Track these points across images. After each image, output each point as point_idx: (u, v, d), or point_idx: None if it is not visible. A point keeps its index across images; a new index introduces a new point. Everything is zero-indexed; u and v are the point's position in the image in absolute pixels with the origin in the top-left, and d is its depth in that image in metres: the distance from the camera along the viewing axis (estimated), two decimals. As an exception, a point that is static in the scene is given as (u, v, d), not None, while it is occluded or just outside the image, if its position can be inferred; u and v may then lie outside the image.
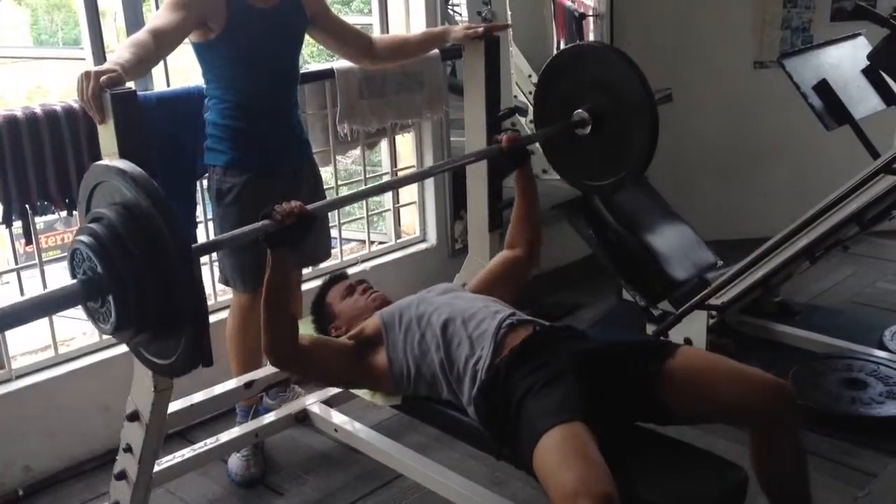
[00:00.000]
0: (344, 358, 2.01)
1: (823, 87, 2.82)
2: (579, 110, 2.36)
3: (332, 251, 2.97)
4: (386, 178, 3.57)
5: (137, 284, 1.43)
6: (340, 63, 2.91)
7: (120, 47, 2.06)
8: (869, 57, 2.90)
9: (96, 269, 1.44)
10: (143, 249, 1.42)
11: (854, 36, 3.11)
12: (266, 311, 1.82)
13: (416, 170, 3.52)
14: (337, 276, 2.41)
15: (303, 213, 1.73)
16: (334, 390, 2.70)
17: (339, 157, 3.26)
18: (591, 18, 4.29)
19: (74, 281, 1.47)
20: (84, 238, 1.45)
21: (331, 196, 3.05)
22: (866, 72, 2.96)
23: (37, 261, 2.53)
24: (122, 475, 2.16)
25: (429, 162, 3.51)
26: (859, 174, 2.68)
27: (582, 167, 2.47)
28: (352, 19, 3.58)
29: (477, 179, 2.65)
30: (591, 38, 4.33)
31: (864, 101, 2.92)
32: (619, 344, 1.94)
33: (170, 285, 1.43)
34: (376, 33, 3.33)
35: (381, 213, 3.64)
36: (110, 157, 1.61)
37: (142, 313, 1.45)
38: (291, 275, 1.84)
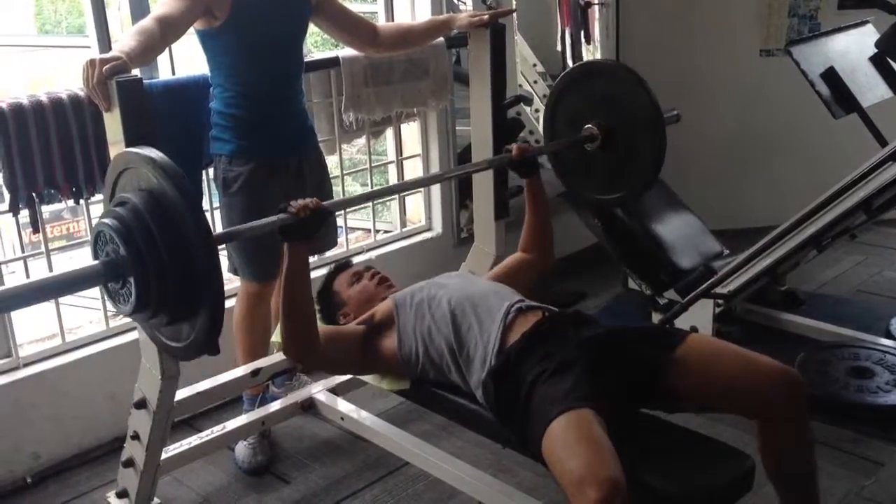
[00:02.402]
0: (357, 344, 2.03)
1: (831, 75, 2.80)
2: (589, 125, 2.38)
3: (338, 240, 2.97)
4: (391, 167, 3.57)
5: (159, 268, 1.46)
6: (345, 51, 2.90)
7: (125, 35, 2.05)
8: (877, 44, 2.89)
9: (119, 252, 1.47)
10: (167, 235, 1.46)
11: (862, 23, 3.08)
12: (285, 302, 1.85)
13: (422, 161, 3.52)
14: (342, 265, 2.42)
15: (317, 207, 1.78)
16: (340, 378, 2.70)
17: (344, 146, 3.26)
18: (596, 7, 4.26)
19: (97, 262, 1.50)
20: (109, 221, 1.49)
21: (336, 184, 3.05)
22: (874, 59, 2.93)
23: (43, 250, 2.54)
24: (129, 462, 2.17)
25: (434, 151, 3.50)
26: (867, 162, 2.67)
27: (590, 180, 2.50)
28: (356, 7, 3.56)
29: (483, 168, 2.65)
30: (597, 27, 4.30)
31: (871, 88, 2.90)
32: (627, 330, 1.95)
33: (190, 271, 1.46)
34: (381, 21, 3.31)
35: (387, 201, 3.63)
36: (139, 146, 1.64)
37: (161, 296, 1.49)
38: (307, 266, 1.86)
